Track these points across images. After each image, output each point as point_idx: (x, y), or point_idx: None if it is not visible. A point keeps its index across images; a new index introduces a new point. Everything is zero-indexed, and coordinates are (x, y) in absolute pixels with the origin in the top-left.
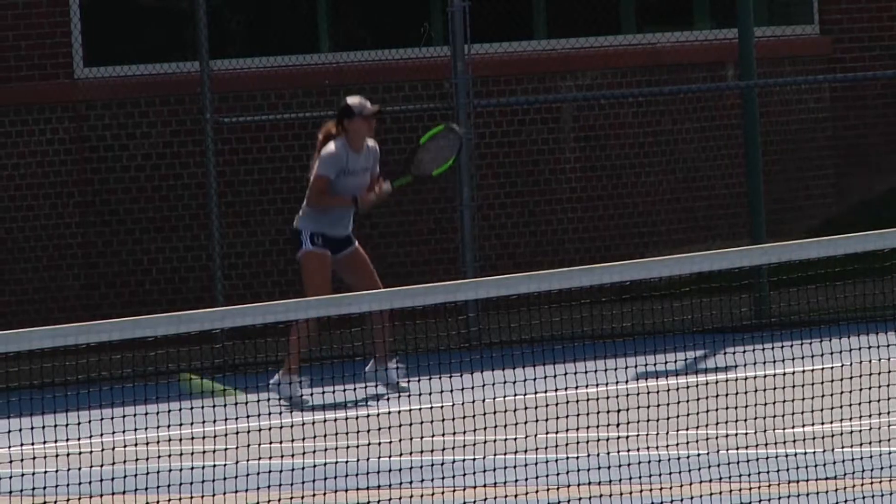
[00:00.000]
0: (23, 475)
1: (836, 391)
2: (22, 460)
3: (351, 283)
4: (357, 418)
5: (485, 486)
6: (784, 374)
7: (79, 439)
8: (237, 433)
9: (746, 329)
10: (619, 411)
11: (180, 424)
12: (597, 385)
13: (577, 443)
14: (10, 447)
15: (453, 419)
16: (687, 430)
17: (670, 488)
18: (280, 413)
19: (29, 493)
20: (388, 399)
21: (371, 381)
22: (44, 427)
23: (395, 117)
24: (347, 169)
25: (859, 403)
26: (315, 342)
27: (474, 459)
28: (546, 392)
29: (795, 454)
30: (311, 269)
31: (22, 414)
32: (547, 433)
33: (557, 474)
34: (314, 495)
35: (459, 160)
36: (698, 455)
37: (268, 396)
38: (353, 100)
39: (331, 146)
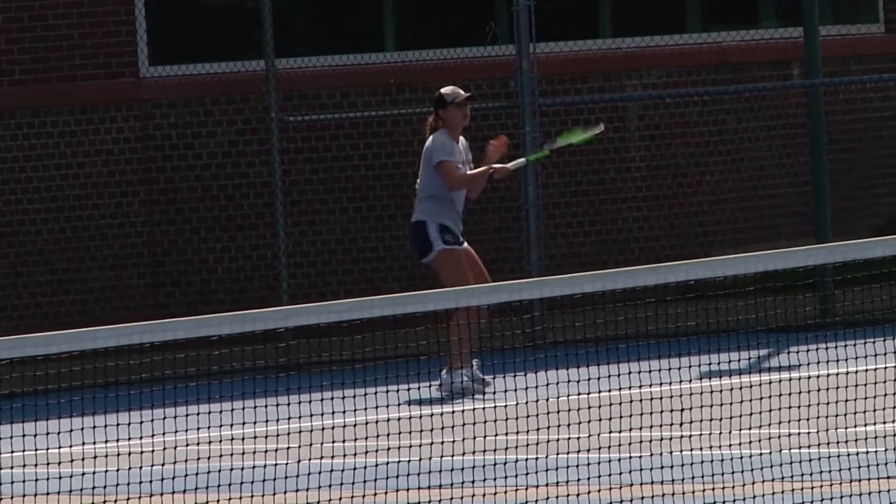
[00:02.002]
0: (94, 473)
1: None
2: (88, 458)
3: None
4: (420, 417)
5: (547, 485)
6: (848, 373)
7: (141, 438)
8: (300, 432)
9: (811, 328)
10: (682, 410)
11: (243, 423)
12: (661, 384)
13: (641, 442)
14: (74, 446)
15: (517, 418)
16: (750, 429)
17: (732, 487)
18: (343, 412)
19: (92, 491)
20: (451, 397)
21: (448, 387)
22: (108, 426)
23: None
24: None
25: None
26: (481, 329)
27: (537, 458)
28: (610, 391)
29: (858, 453)
30: (449, 267)
31: (86, 413)
32: (611, 432)
33: (620, 473)
34: (375, 494)
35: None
36: (761, 455)
37: (331, 395)
38: (446, 89)
39: (433, 137)
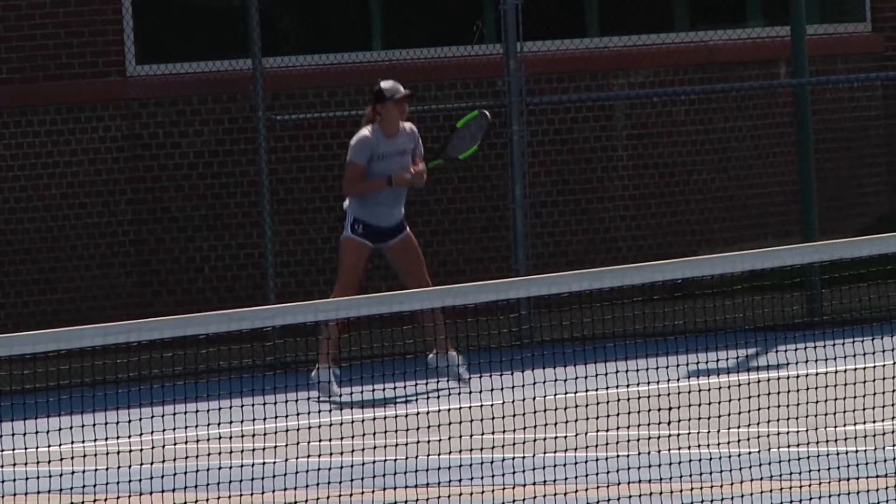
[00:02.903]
0: (82, 472)
1: (888, 389)
2: (75, 457)
3: (398, 270)
4: (406, 416)
5: (535, 483)
6: (836, 372)
7: (129, 437)
8: (287, 431)
9: (798, 327)
10: (669, 409)
11: (230, 422)
12: (648, 383)
13: (628, 441)
14: (61, 445)
15: (503, 417)
16: (738, 428)
17: (721, 486)
18: (330, 411)
19: (80, 490)
20: (437, 396)
21: (434, 374)
22: (95, 425)
23: (447, 115)
24: (380, 154)
25: None
26: (336, 344)
27: (524, 457)
28: (597, 390)
29: (847, 452)
30: (344, 255)
31: (73, 412)
32: (598, 431)
33: (608, 472)
34: (362, 493)
35: (486, 147)
36: (749, 453)
37: (317, 395)
38: (385, 83)
39: (362, 131)
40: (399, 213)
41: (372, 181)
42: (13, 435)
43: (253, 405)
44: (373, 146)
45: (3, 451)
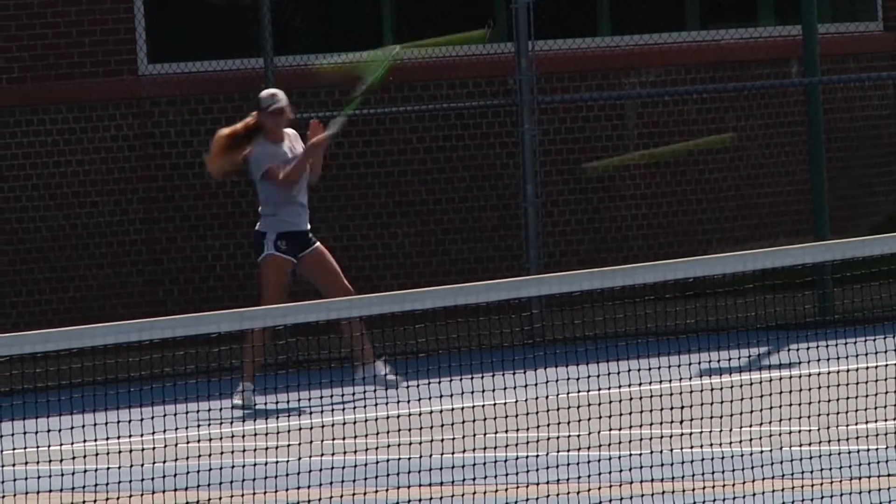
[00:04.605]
0: (94, 471)
1: None
2: (87, 455)
3: (317, 283)
4: (420, 414)
5: (548, 482)
6: (847, 371)
7: (141, 435)
8: (300, 429)
9: (810, 326)
10: (682, 408)
11: (243, 420)
12: (659, 382)
13: (640, 440)
14: (73, 443)
15: (516, 416)
16: (750, 426)
17: (732, 485)
18: (343, 409)
19: (92, 489)
20: (451, 395)
21: (369, 385)
22: (108, 423)
23: (459, 114)
24: (276, 161)
25: None
26: (269, 351)
27: (537, 456)
28: (608, 389)
29: (858, 451)
30: (270, 274)
31: (85, 410)
32: (609, 430)
33: (619, 471)
34: (376, 492)
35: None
36: (761, 452)
37: (330, 393)
38: (265, 93)
39: (250, 154)
40: (307, 217)
41: (294, 161)
42: (25, 433)
43: (265, 403)
44: (263, 160)
45: (14, 449)
